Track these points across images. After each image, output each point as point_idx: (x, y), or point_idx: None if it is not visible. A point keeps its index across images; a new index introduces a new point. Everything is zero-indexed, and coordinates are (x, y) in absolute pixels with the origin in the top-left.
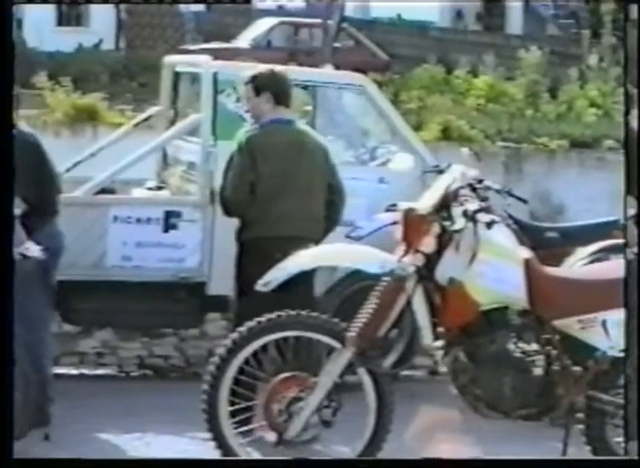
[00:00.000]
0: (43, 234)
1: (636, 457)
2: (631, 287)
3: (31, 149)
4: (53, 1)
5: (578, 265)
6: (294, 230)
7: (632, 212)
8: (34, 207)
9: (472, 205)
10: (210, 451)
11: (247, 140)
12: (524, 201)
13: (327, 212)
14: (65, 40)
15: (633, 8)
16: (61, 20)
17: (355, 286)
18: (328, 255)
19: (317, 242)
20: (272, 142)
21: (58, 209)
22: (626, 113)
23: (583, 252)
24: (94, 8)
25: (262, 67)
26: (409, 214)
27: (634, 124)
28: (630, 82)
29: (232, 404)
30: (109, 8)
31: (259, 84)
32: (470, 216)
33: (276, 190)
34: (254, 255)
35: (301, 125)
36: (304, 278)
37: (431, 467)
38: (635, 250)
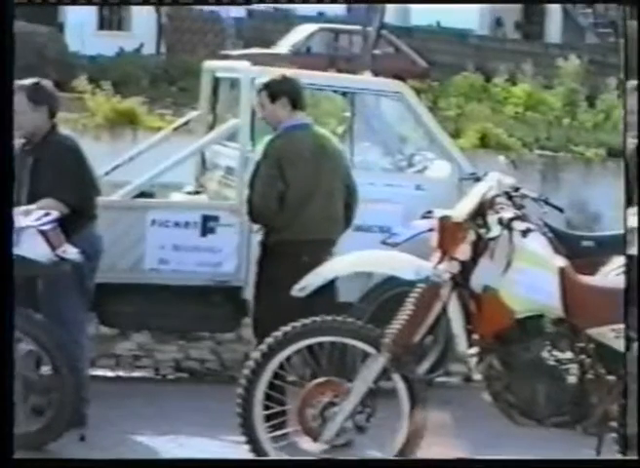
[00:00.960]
0: (82, 237)
1: (636, 457)
2: None
3: (71, 153)
4: (53, 2)
5: (613, 274)
6: (319, 233)
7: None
8: (74, 210)
9: (508, 213)
10: (243, 455)
11: (272, 148)
12: (560, 209)
13: (344, 213)
14: (106, 44)
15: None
16: (103, 24)
17: (390, 292)
18: (364, 262)
19: (336, 243)
20: (297, 148)
21: (96, 212)
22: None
23: (619, 261)
24: (135, 12)
25: (274, 73)
26: (445, 222)
27: None
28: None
29: (267, 408)
30: (150, 12)
31: (274, 90)
32: (506, 224)
33: (303, 195)
34: (281, 259)
35: (318, 128)
36: (328, 283)
37: (431, 467)
38: None
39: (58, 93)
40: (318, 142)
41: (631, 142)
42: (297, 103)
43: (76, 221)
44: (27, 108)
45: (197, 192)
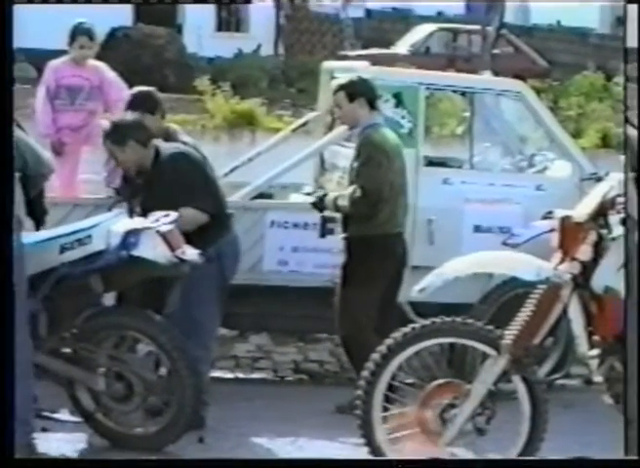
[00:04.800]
0: (226, 241)
1: (636, 457)
2: None
3: (201, 162)
4: (53, 1)
5: None
6: (402, 226)
7: None
8: (213, 216)
9: None
10: (362, 456)
11: (378, 140)
12: None
13: None
14: (225, 45)
15: (633, 8)
16: (221, 26)
17: (511, 293)
18: (484, 262)
19: None
20: (392, 143)
21: (230, 212)
22: None
23: None
24: (253, 13)
25: (352, 74)
26: (566, 222)
27: None
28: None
29: (385, 409)
30: (269, 13)
31: (352, 90)
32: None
33: (398, 188)
34: (371, 252)
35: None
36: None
37: (431, 467)
38: None
39: (176, 94)
40: (397, 139)
41: None
42: (373, 103)
43: (218, 226)
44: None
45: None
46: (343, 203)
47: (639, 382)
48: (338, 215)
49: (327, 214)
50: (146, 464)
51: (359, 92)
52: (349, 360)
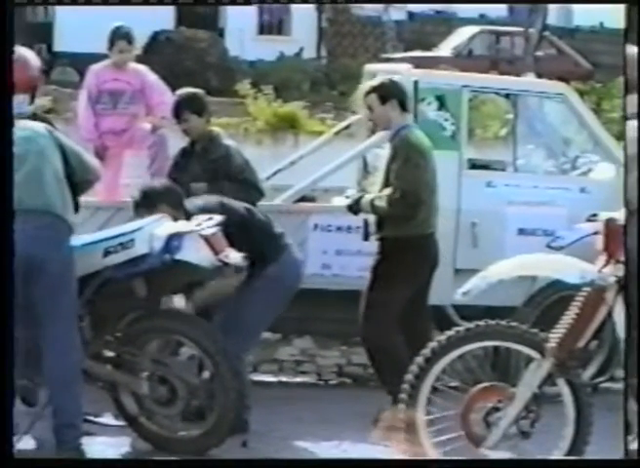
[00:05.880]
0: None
1: (636, 457)
2: None
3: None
4: (53, 2)
5: None
6: (435, 227)
7: None
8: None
9: None
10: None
11: (417, 142)
12: None
13: None
14: (267, 48)
15: (633, 9)
16: (263, 29)
17: (555, 296)
18: (528, 265)
19: None
20: (427, 144)
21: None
22: None
23: None
24: (295, 16)
25: (382, 76)
26: (610, 224)
27: None
28: None
29: (429, 413)
30: (311, 16)
31: (384, 93)
32: None
33: (433, 188)
34: (407, 253)
35: None
36: None
37: (431, 467)
38: None
39: (218, 98)
40: (429, 141)
41: None
42: (405, 105)
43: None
44: (190, 117)
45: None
46: (381, 204)
47: (639, 382)
48: (370, 217)
49: (362, 216)
50: (143, 464)
51: (391, 94)
52: (370, 361)
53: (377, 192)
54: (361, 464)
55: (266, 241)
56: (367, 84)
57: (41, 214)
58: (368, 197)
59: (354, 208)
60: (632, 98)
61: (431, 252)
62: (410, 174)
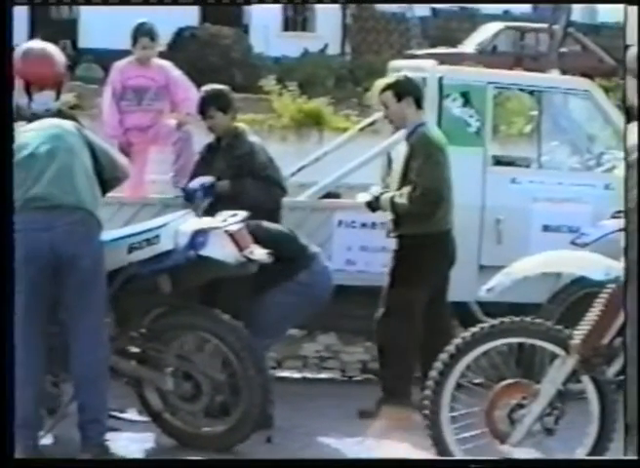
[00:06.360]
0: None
1: (636, 457)
2: None
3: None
4: (52, 2)
5: None
6: (452, 223)
7: None
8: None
9: None
10: (431, 457)
11: (436, 139)
12: None
13: None
14: (291, 45)
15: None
16: (287, 25)
17: (580, 293)
18: (553, 262)
19: None
20: (444, 141)
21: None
22: None
23: None
24: (319, 13)
25: (398, 73)
26: None
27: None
28: None
29: (453, 409)
30: (335, 13)
31: (400, 90)
32: None
33: (449, 185)
34: (426, 250)
35: None
36: None
37: (431, 467)
38: None
39: (243, 94)
40: (445, 138)
41: None
42: (420, 102)
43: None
44: (215, 114)
45: (384, 192)
46: (402, 202)
47: (639, 383)
48: (388, 214)
49: (380, 213)
50: (143, 465)
51: (406, 91)
52: (378, 354)
53: (395, 190)
54: (360, 464)
55: (295, 248)
56: (382, 81)
57: (73, 209)
58: (388, 194)
59: (373, 205)
60: None
61: (449, 248)
62: (431, 171)
